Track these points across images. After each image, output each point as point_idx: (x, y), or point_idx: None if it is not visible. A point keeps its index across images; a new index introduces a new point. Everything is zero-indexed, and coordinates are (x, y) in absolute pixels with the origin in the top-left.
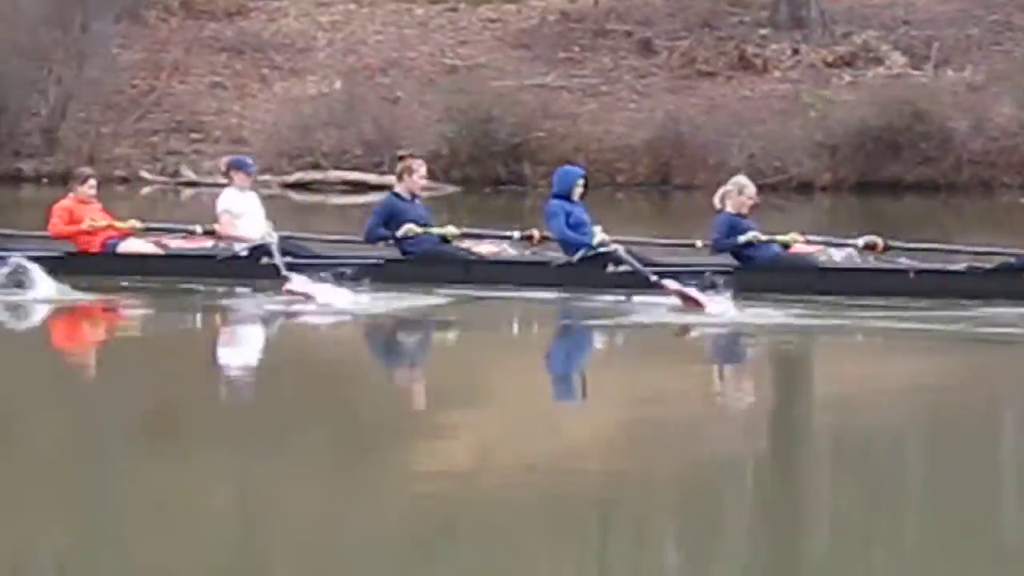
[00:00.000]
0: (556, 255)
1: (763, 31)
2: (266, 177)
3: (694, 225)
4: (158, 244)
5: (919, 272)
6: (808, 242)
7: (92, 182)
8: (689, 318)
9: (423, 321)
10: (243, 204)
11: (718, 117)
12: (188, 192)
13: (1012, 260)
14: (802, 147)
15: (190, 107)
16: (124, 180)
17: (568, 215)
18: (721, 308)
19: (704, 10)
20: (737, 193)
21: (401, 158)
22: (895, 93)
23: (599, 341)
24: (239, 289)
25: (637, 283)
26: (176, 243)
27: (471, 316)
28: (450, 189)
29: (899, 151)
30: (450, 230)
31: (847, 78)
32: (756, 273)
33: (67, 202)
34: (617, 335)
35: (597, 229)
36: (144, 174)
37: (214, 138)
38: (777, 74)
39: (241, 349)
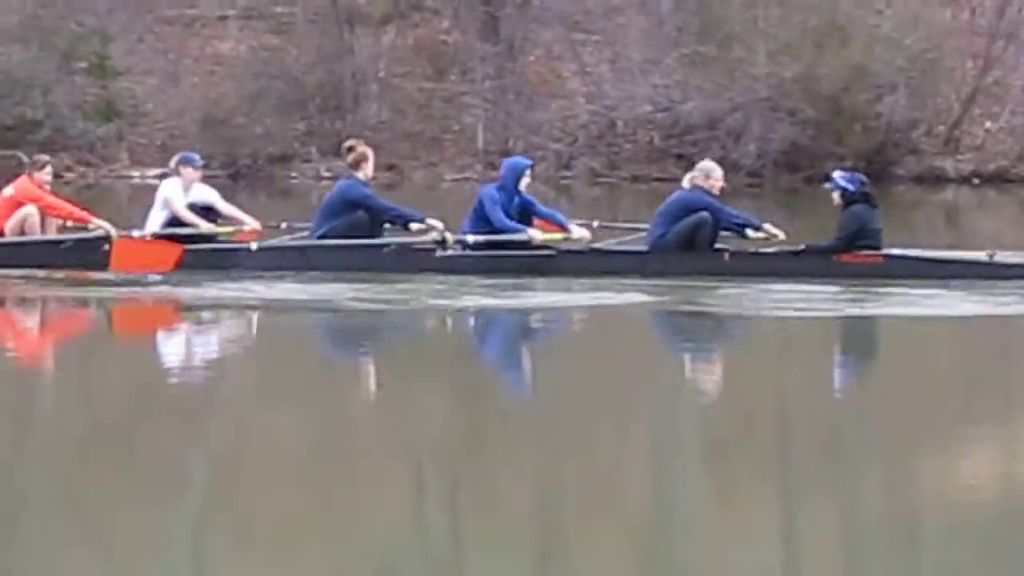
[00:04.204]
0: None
1: None
2: None
3: None
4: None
5: (733, 254)
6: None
7: (49, 168)
8: None
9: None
10: (183, 196)
11: None
12: None
13: (822, 243)
14: None
15: None
16: None
17: (510, 204)
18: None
19: None
20: (704, 178)
21: (351, 148)
22: None
23: None
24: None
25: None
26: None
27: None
28: None
29: None
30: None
31: None
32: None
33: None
34: None
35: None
36: None
37: None
38: None
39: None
